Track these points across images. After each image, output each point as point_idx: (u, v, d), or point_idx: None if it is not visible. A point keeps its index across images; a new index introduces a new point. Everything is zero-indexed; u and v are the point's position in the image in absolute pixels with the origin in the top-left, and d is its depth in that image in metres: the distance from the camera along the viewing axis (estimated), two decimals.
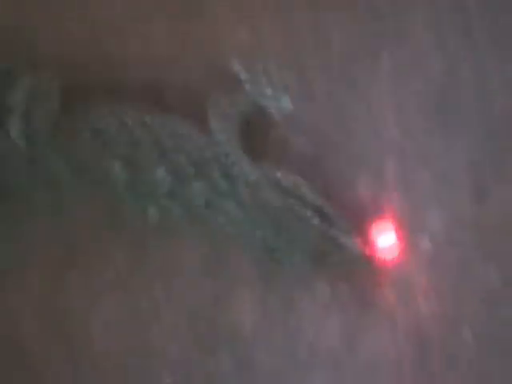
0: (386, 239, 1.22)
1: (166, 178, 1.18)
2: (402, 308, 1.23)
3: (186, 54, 1.27)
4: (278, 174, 1.19)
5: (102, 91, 1.23)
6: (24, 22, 1.26)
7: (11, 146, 1.19)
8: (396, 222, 1.23)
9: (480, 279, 1.22)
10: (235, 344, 1.24)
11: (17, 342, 1.23)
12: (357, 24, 1.27)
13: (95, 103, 1.21)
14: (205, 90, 1.23)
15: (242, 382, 1.24)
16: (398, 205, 1.24)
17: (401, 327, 1.23)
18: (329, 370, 1.23)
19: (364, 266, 1.20)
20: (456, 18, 1.27)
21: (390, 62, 1.26)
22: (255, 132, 1.23)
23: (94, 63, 1.25)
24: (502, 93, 1.24)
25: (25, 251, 1.23)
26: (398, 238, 1.22)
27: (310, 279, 1.24)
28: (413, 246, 1.23)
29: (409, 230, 1.23)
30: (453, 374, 1.22)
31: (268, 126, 1.24)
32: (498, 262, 1.22)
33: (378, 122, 1.25)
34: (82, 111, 1.20)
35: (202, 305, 1.25)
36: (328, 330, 1.24)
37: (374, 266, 1.22)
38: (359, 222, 1.21)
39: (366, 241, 1.19)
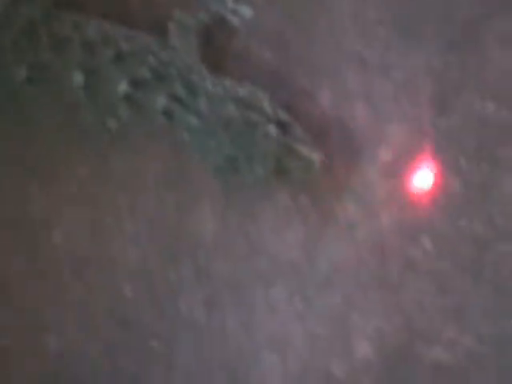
0: (347, 150, 1.22)
1: (127, 89, 1.18)
2: (362, 218, 1.23)
3: None
4: (238, 86, 1.18)
5: (64, 2, 1.22)
6: None
7: None
8: (357, 133, 1.23)
9: (440, 188, 1.22)
10: (196, 254, 1.25)
11: None
12: None
13: (57, 13, 1.20)
14: (165, 2, 1.23)
15: (203, 291, 1.25)
16: (358, 115, 1.23)
17: (361, 237, 1.23)
18: (289, 281, 1.24)
19: (324, 177, 1.21)
20: None
21: None
22: (216, 43, 1.23)
23: None
24: (463, 2, 1.22)
25: None
26: (359, 148, 1.23)
27: (271, 191, 1.24)
28: (373, 156, 1.23)
29: (369, 141, 1.23)
30: (412, 282, 1.23)
31: (228, 36, 1.24)
32: (458, 170, 1.22)
33: (338, 33, 1.24)
34: (44, 21, 1.20)
35: (163, 215, 1.25)
36: (289, 241, 1.24)
37: (334, 177, 1.23)
38: (320, 134, 1.21)
39: (327, 152, 1.19)
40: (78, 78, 1.18)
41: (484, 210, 1.22)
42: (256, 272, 1.25)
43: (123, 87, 1.17)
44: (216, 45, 1.23)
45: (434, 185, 1.22)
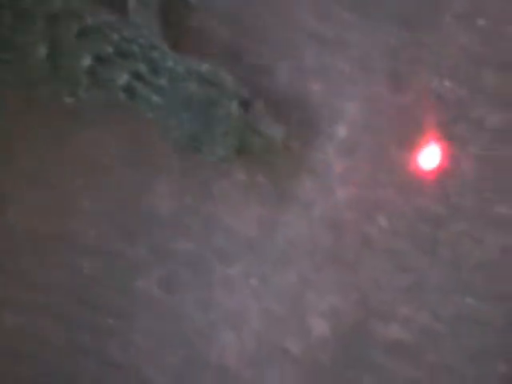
0: (303, 127, 1.22)
1: (90, 63, 1.17)
2: (319, 196, 1.23)
3: None
4: (200, 64, 1.18)
5: None
6: None
7: None
8: (313, 110, 1.23)
9: (396, 166, 1.23)
10: (153, 232, 1.25)
11: None
12: None
13: None
14: None
15: (160, 269, 1.25)
16: (315, 93, 1.23)
17: (317, 215, 1.24)
18: (246, 259, 1.25)
19: (282, 153, 1.21)
20: None
21: None
22: (171, 20, 1.23)
23: None
24: None
25: None
26: (315, 125, 1.23)
27: (229, 169, 1.25)
28: (329, 134, 1.23)
29: (326, 118, 1.23)
30: (368, 260, 1.23)
31: (184, 13, 1.23)
32: (415, 149, 1.22)
33: (296, 10, 1.23)
34: None
35: (121, 193, 1.25)
36: (245, 219, 1.25)
37: (291, 154, 1.23)
38: (278, 110, 1.21)
39: (286, 128, 1.19)
40: (42, 50, 1.18)
41: (440, 188, 1.22)
42: (213, 250, 1.25)
43: (87, 62, 1.16)
44: (172, 21, 1.23)
45: (390, 162, 1.23)
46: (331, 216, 1.23)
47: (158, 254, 1.25)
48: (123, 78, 1.17)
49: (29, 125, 1.25)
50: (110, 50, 1.17)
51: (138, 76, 1.17)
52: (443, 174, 1.22)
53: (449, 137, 1.21)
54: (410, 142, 1.22)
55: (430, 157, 1.22)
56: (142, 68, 1.17)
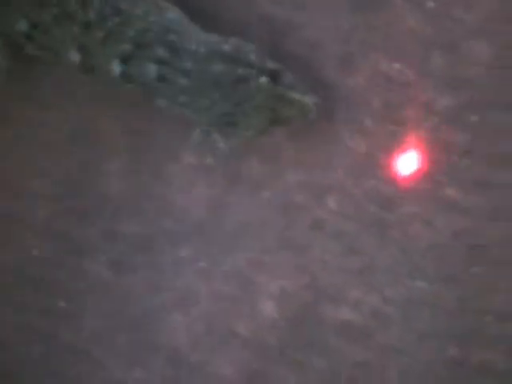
0: None
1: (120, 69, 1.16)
2: (268, 178, 1.23)
3: None
4: (220, 40, 1.17)
5: None
6: None
7: None
8: None
9: (346, 148, 1.23)
10: (103, 214, 1.25)
11: None
12: None
13: None
14: None
15: (110, 251, 1.25)
16: None
17: (267, 197, 1.23)
18: (195, 241, 1.24)
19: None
20: None
21: None
22: None
23: None
24: None
25: None
26: None
27: (178, 151, 1.24)
28: None
29: None
30: (318, 242, 1.23)
31: None
32: (364, 130, 1.22)
33: None
34: None
35: (70, 174, 1.25)
36: (195, 201, 1.24)
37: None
38: None
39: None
40: (74, 55, 1.16)
41: (389, 171, 1.22)
42: (162, 232, 1.25)
43: (117, 67, 1.15)
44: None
45: (339, 145, 1.23)
46: (281, 198, 1.23)
47: (107, 235, 1.25)
48: (152, 69, 1.16)
49: None
50: (128, 47, 1.15)
51: (162, 62, 1.15)
52: (393, 156, 1.22)
53: (398, 119, 1.21)
54: (360, 124, 1.22)
55: (379, 139, 1.22)
56: (161, 52, 1.15)
